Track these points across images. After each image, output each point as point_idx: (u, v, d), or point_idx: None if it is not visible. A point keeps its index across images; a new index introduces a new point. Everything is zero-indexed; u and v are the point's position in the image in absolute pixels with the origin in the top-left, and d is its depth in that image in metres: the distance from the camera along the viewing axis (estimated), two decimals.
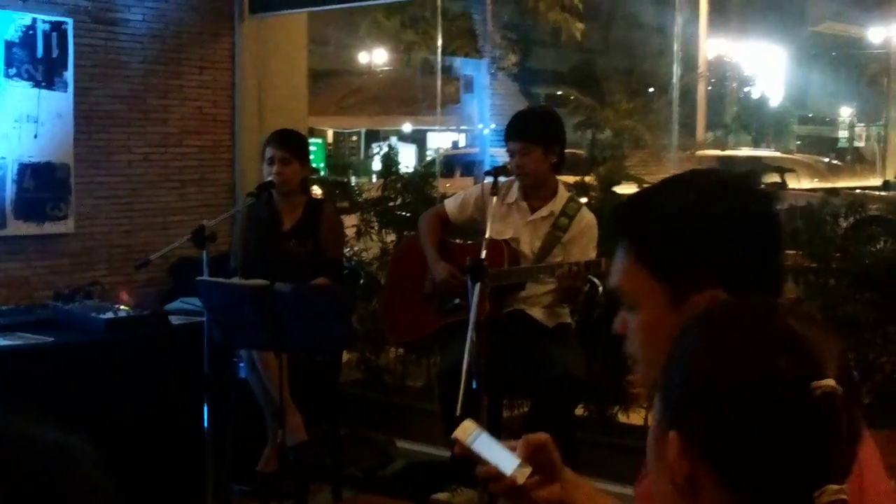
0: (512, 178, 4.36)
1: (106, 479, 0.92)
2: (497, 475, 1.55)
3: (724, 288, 1.42)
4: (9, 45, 5.15)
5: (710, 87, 19.99)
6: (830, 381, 1.02)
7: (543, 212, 4.40)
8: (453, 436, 1.58)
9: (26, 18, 5.22)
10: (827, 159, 20.06)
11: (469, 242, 4.78)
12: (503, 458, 1.56)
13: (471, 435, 1.58)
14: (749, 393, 1.03)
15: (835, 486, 1.02)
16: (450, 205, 4.62)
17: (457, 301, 4.36)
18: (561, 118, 4.67)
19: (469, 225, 4.71)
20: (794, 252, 5.09)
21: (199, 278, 4.00)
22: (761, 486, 1.03)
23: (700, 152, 17.01)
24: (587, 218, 4.39)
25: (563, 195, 4.44)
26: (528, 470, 1.55)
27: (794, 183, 15.53)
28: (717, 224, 1.46)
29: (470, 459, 1.58)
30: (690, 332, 1.13)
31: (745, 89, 23.95)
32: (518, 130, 4.35)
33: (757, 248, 1.48)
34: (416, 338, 5.08)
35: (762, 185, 1.89)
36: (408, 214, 5.99)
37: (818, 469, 1.02)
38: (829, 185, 14.90)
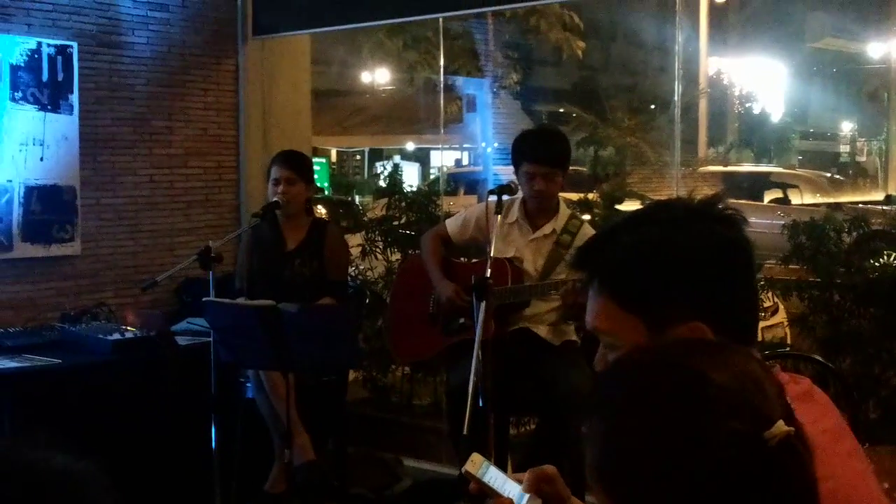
0: (513, 196, 4.35)
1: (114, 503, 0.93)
2: None
3: (702, 318, 1.40)
4: (14, 69, 5.19)
5: (711, 104, 20.02)
6: (781, 426, 0.99)
7: (546, 230, 4.40)
8: (464, 470, 1.57)
9: (31, 42, 5.26)
10: (829, 174, 20.07)
11: (473, 261, 4.80)
12: (511, 490, 1.56)
13: (480, 468, 1.58)
14: (700, 461, 0.98)
15: None
16: (451, 225, 4.62)
17: (461, 321, 4.37)
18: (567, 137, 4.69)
19: (470, 245, 4.72)
20: (799, 267, 5.09)
21: (205, 299, 4.01)
22: None
23: (702, 168, 17.02)
24: (590, 234, 4.39)
25: (564, 212, 4.45)
26: (539, 501, 1.56)
27: (796, 198, 15.53)
28: (683, 255, 1.45)
29: (481, 492, 1.58)
30: (611, 386, 1.10)
31: (747, 105, 23.99)
32: (542, 154, 4.30)
33: (726, 274, 1.46)
34: (421, 358, 5.09)
35: (728, 209, 1.86)
36: (412, 233, 6.01)
37: None
38: (831, 199, 14.90)
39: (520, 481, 1.58)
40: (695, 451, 0.99)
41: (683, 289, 1.44)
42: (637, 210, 1.68)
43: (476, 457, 1.59)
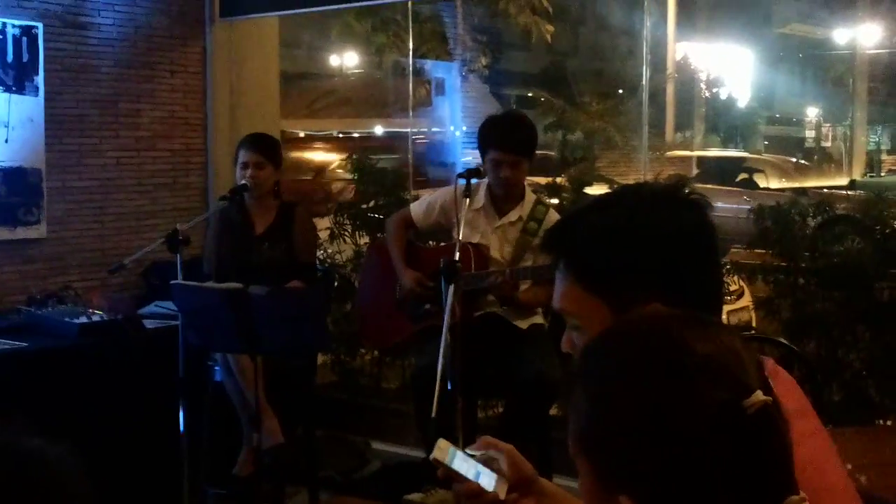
0: (480, 181, 4.33)
1: (85, 486, 0.93)
2: (478, 492, 1.56)
3: (664, 301, 1.42)
4: None
5: (678, 89, 20.10)
6: (759, 395, 1.02)
7: (512, 216, 4.40)
8: (432, 457, 1.58)
9: None
10: (794, 159, 20.23)
11: (441, 245, 4.80)
12: (479, 473, 1.58)
13: (448, 454, 1.59)
14: (684, 428, 1.00)
15: (795, 497, 1.03)
16: (415, 209, 4.61)
17: (427, 306, 4.38)
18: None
19: (435, 229, 4.72)
20: (764, 251, 5.14)
21: (173, 282, 4.00)
22: None
23: (670, 153, 17.12)
24: (556, 220, 4.39)
25: (529, 198, 4.44)
26: (507, 485, 1.57)
27: (762, 183, 15.66)
28: (648, 237, 1.47)
29: (450, 477, 1.59)
30: (597, 357, 1.11)
31: (714, 90, 24.10)
32: (508, 142, 4.27)
33: (689, 258, 1.48)
34: (388, 344, 5.09)
35: (692, 193, 1.87)
36: (381, 217, 6.01)
37: (776, 483, 1.03)
38: (797, 184, 15.05)
39: (484, 461, 1.59)
40: (677, 418, 1.01)
41: (646, 272, 1.46)
42: (603, 194, 1.70)
43: (442, 443, 1.60)
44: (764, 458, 1.02)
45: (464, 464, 1.59)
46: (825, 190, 13.84)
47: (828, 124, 28.01)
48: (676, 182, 1.61)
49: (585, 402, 1.07)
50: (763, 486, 1.02)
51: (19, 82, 5.28)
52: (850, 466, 1.46)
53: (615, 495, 1.03)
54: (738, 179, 15.43)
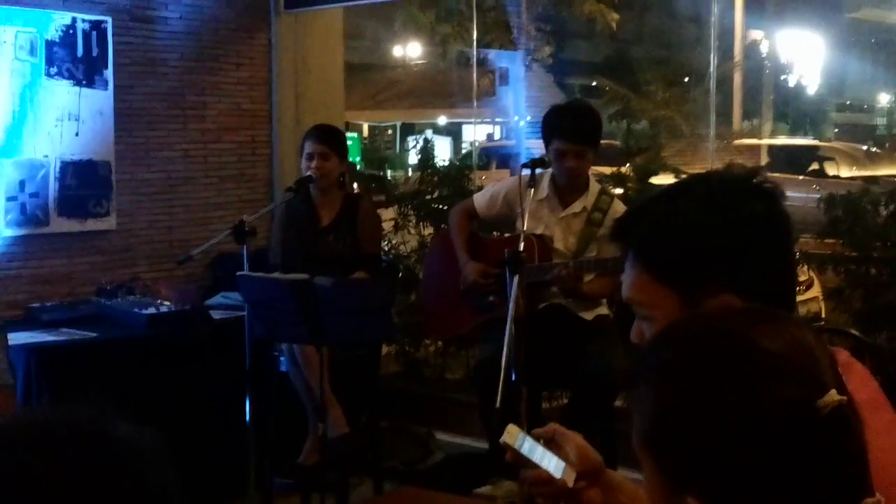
0: (544, 171, 4.29)
1: (173, 475, 0.94)
2: (547, 479, 1.55)
3: (735, 291, 1.40)
4: (50, 45, 5.22)
5: (746, 76, 19.81)
6: (834, 394, 0.99)
7: (576, 207, 4.36)
8: (502, 441, 1.58)
9: (66, 18, 5.28)
10: (865, 147, 19.83)
11: (506, 236, 4.79)
12: (548, 461, 1.57)
13: (517, 439, 1.59)
14: (756, 436, 0.98)
15: (871, 500, 1.00)
16: (479, 200, 4.60)
17: (491, 298, 4.36)
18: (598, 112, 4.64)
19: (499, 220, 4.69)
20: (835, 241, 5.05)
21: (239, 273, 4.03)
22: None
23: (737, 141, 16.88)
24: (622, 210, 4.34)
25: (594, 189, 4.40)
26: (574, 473, 1.56)
27: (833, 171, 15.38)
28: (719, 228, 1.45)
29: (516, 460, 1.59)
30: (662, 354, 1.09)
31: (782, 77, 23.72)
32: (573, 132, 4.23)
33: (761, 248, 1.46)
34: (452, 335, 5.10)
35: (765, 183, 1.82)
36: (444, 207, 6.01)
37: (850, 485, 1.00)
38: (868, 172, 14.74)
39: (545, 438, 1.59)
40: (745, 417, 0.98)
41: (717, 262, 1.44)
42: (673, 183, 1.68)
43: (512, 428, 1.60)
44: (838, 458, 0.99)
45: (533, 450, 1.58)
46: None
47: None
48: (748, 171, 1.57)
49: (650, 400, 1.05)
50: (837, 487, 0.99)
51: (89, 76, 5.37)
52: None
53: (682, 495, 1.01)
54: (809, 169, 15.18)
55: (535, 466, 1.57)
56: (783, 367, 1.00)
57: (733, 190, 1.50)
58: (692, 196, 1.51)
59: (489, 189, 4.66)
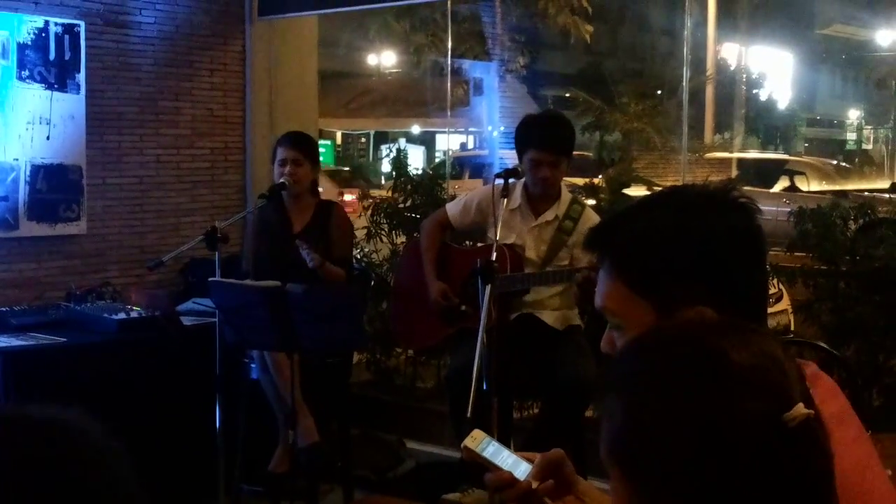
0: (516, 181, 4.30)
1: (128, 462, 0.94)
2: (509, 481, 1.54)
3: (710, 304, 1.41)
4: (21, 48, 5.19)
5: (718, 90, 19.95)
6: (801, 408, 0.99)
7: (548, 216, 4.38)
8: (462, 445, 1.58)
9: (39, 21, 5.25)
10: (835, 162, 20.02)
11: (479, 245, 4.79)
12: (514, 464, 1.56)
13: (480, 443, 1.58)
14: (722, 450, 0.98)
15: None
16: (451, 209, 4.60)
17: (463, 308, 4.36)
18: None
19: (472, 229, 4.70)
20: (804, 254, 5.09)
21: (211, 279, 4.02)
22: None
23: (708, 155, 16.97)
24: (593, 219, 4.36)
25: (566, 198, 4.42)
26: (540, 474, 1.55)
27: (803, 185, 15.50)
28: (696, 240, 1.46)
29: (479, 465, 1.58)
30: (631, 364, 1.09)
31: (754, 92, 23.91)
32: (547, 141, 4.26)
33: (737, 262, 1.47)
34: (423, 346, 5.10)
35: (741, 197, 1.84)
36: (417, 216, 6.01)
37: (816, 500, 1.01)
38: (837, 187, 14.87)
39: (527, 459, 1.57)
40: (714, 429, 0.98)
41: (693, 274, 1.44)
42: (651, 194, 1.69)
43: (478, 433, 1.60)
44: (804, 472, 0.99)
45: (498, 454, 1.57)
46: (866, 193, 13.66)
47: (869, 126, 27.74)
48: (724, 184, 1.58)
49: (619, 411, 1.05)
50: (802, 501, 1.00)
51: (61, 80, 5.34)
52: (889, 472, 1.44)
53: None
54: (780, 185, 15.28)
55: (498, 469, 1.56)
56: (752, 380, 1.00)
57: (710, 203, 1.51)
58: (669, 208, 1.52)
59: (462, 198, 4.67)
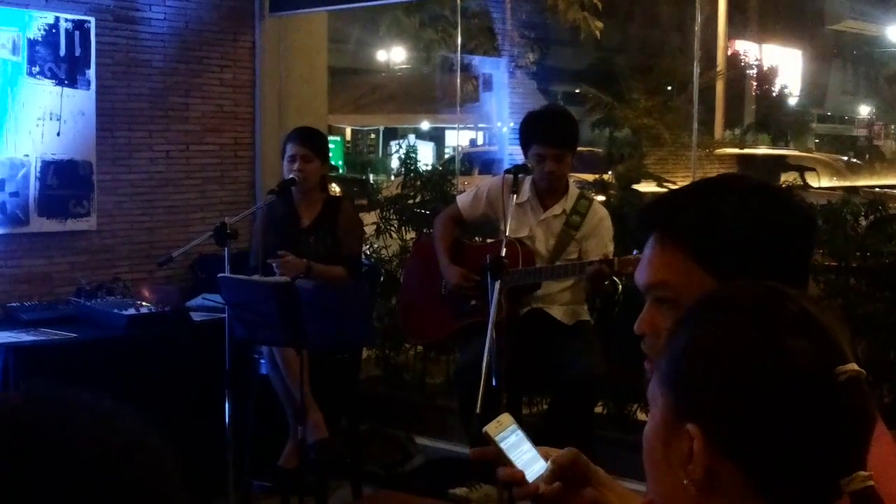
0: (525, 176, 4.34)
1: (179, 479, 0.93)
2: (519, 480, 1.51)
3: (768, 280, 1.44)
4: (32, 44, 5.20)
5: (728, 86, 19.90)
6: (854, 366, 1.03)
7: (556, 210, 4.41)
8: (484, 430, 1.53)
9: (49, 17, 5.26)
10: (846, 158, 19.94)
11: (489, 241, 4.80)
12: (530, 461, 1.53)
13: (503, 431, 1.53)
14: (770, 381, 1.03)
15: (863, 473, 1.02)
16: (462, 201, 4.62)
17: (473, 303, 4.37)
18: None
19: (482, 221, 4.71)
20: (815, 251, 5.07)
21: (220, 275, 4.03)
22: (789, 476, 1.03)
23: (719, 151, 16.93)
24: (600, 212, 4.41)
25: (573, 192, 4.46)
26: (552, 477, 1.52)
27: (813, 182, 15.46)
28: (764, 221, 1.49)
29: (486, 463, 1.54)
30: (708, 304, 1.14)
31: (764, 88, 23.83)
32: (551, 135, 4.31)
33: (799, 246, 1.52)
34: (433, 340, 5.11)
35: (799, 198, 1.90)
36: (427, 212, 6.01)
37: (847, 456, 1.03)
38: (848, 183, 14.83)
39: (547, 456, 1.55)
40: (768, 363, 1.03)
41: (758, 255, 1.47)
42: (707, 178, 1.72)
43: (505, 417, 1.56)
44: (842, 426, 1.02)
45: (518, 446, 1.54)
46: (877, 189, 13.63)
47: (880, 122, 27.63)
48: (787, 188, 1.63)
49: (684, 341, 1.10)
50: (834, 453, 1.03)
51: (71, 76, 5.35)
52: None
53: (684, 422, 1.06)
54: (790, 179, 15.23)
55: (511, 465, 1.52)
56: (812, 328, 1.05)
57: (771, 194, 1.55)
58: (732, 190, 1.54)
59: (472, 190, 4.71)
